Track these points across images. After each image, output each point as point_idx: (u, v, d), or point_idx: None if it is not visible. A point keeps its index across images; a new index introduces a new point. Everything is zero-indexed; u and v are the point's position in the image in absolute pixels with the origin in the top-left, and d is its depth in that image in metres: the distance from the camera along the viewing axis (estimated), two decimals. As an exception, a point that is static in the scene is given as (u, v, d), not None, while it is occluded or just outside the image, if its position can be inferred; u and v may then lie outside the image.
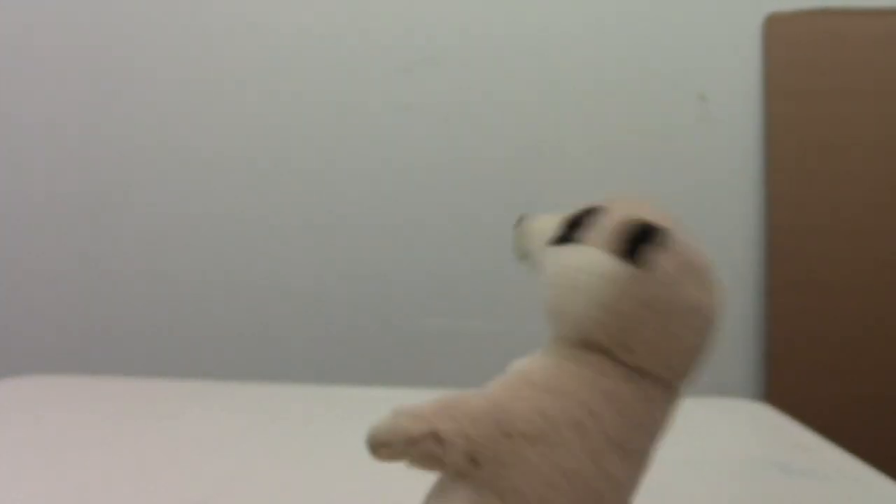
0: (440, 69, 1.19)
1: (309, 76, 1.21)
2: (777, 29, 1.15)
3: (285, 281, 1.22)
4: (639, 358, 0.33)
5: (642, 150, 1.18)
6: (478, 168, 1.18)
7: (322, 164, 1.21)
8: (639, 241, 0.33)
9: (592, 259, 0.33)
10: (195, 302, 1.23)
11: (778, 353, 1.13)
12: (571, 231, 0.34)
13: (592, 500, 0.31)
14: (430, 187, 1.19)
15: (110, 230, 1.24)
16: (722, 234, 1.17)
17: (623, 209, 0.34)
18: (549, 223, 0.36)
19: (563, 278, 0.33)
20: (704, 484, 0.57)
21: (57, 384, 0.88)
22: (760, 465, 0.62)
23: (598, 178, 1.18)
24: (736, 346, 1.17)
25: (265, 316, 1.22)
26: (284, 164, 1.22)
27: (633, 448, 0.33)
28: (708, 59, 1.18)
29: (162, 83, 1.23)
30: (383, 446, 0.31)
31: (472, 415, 0.31)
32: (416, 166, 1.20)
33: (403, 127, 1.20)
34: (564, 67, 1.19)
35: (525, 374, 0.33)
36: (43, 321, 1.25)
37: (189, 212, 1.23)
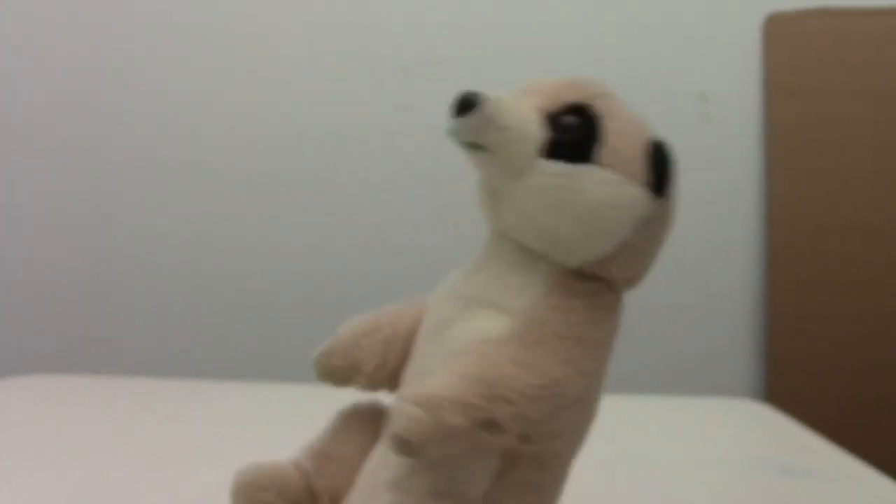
0: (440, 69, 1.19)
1: (309, 76, 1.21)
2: (777, 29, 1.15)
3: (285, 281, 1.22)
4: (634, 283, 0.32)
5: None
6: (478, 168, 1.18)
7: (322, 164, 1.21)
8: (661, 166, 0.31)
9: (627, 196, 0.30)
10: (195, 302, 1.23)
11: (778, 353, 1.13)
12: (562, 140, 0.30)
13: (588, 429, 0.32)
14: (430, 187, 1.19)
15: (110, 230, 1.24)
16: (722, 234, 1.17)
17: (614, 112, 0.31)
18: (523, 116, 0.30)
19: (590, 212, 0.29)
20: (704, 484, 0.57)
21: (57, 384, 0.88)
22: (760, 465, 0.62)
23: (598, 178, 1.18)
24: (736, 346, 1.17)
25: (265, 316, 1.22)
26: (284, 165, 1.22)
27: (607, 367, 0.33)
28: (708, 59, 1.18)
29: (161, 83, 1.23)
30: (422, 448, 0.26)
31: (528, 394, 0.28)
32: (416, 166, 1.20)
33: (403, 127, 1.20)
34: (564, 67, 1.19)
35: (540, 324, 0.29)
36: (43, 321, 1.25)
37: (189, 211, 1.23)
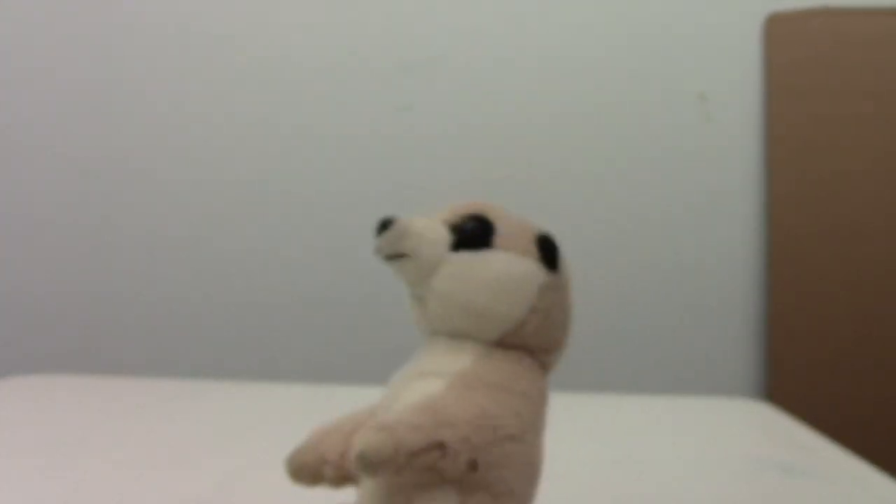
0: (440, 69, 1.19)
1: (309, 76, 1.21)
2: (777, 29, 1.15)
3: (286, 281, 1.22)
4: (551, 352, 0.37)
5: (642, 150, 1.18)
6: (478, 167, 1.18)
7: (322, 164, 1.21)
8: (550, 251, 0.37)
9: (528, 268, 0.36)
10: (195, 302, 1.23)
11: (778, 353, 1.13)
12: (465, 237, 0.36)
13: (537, 478, 0.35)
14: (430, 187, 1.19)
15: (111, 231, 1.24)
16: (722, 235, 1.17)
17: (504, 216, 0.37)
18: (431, 226, 0.36)
19: (497, 281, 0.35)
20: (704, 484, 0.57)
21: (57, 384, 0.88)
22: (760, 465, 0.62)
23: (598, 177, 1.18)
24: (736, 346, 1.17)
25: (265, 316, 1.22)
26: (284, 165, 1.22)
27: (543, 429, 0.37)
28: (708, 59, 1.18)
29: (162, 84, 1.23)
30: (382, 464, 0.30)
31: (470, 422, 0.32)
32: (416, 166, 1.20)
33: (403, 127, 1.20)
34: (565, 67, 1.19)
35: (471, 377, 0.35)
36: (43, 321, 1.25)
37: (189, 212, 1.23)
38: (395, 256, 0.36)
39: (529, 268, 0.36)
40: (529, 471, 0.35)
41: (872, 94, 1.13)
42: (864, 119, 1.12)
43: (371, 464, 0.30)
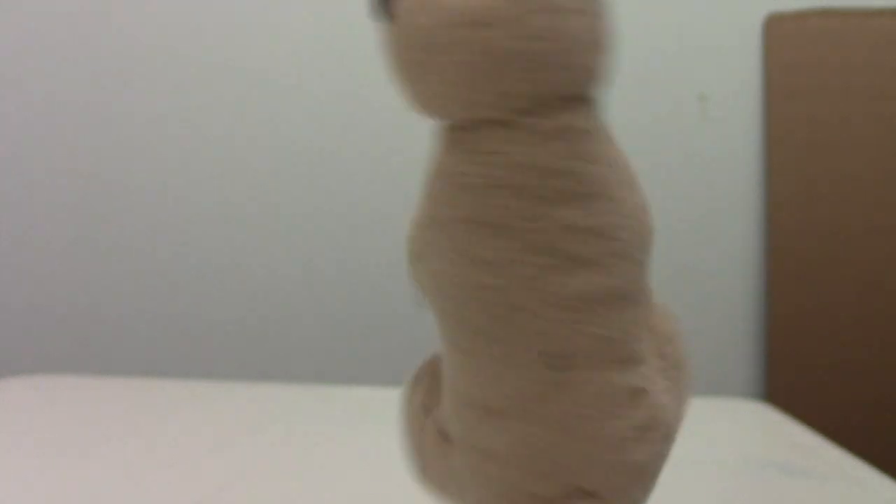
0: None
1: (308, 76, 1.21)
2: (777, 29, 1.15)
3: (286, 280, 1.22)
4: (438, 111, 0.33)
5: (642, 150, 1.17)
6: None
7: (322, 164, 1.21)
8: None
9: None
10: (195, 302, 1.23)
11: (778, 353, 1.13)
12: None
13: (485, 300, 0.29)
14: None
15: (111, 230, 1.24)
16: (722, 234, 1.17)
17: None
18: None
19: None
20: (704, 484, 0.57)
21: (57, 384, 0.88)
22: (760, 465, 0.62)
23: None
24: (736, 346, 1.17)
25: (265, 316, 1.22)
26: (284, 164, 1.22)
27: (494, 217, 0.30)
28: (708, 59, 1.18)
29: (161, 82, 1.23)
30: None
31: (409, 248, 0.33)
32: (416, 166, 1.19)
33: (403, 127, 1.20)
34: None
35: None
36: (43, 321, 1.25)
37: (189, 211, 1.23)
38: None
39: None
40: (447, 286, 0.29)
41: (872, 94, 1.13)
42: (864, 119, 1.12)
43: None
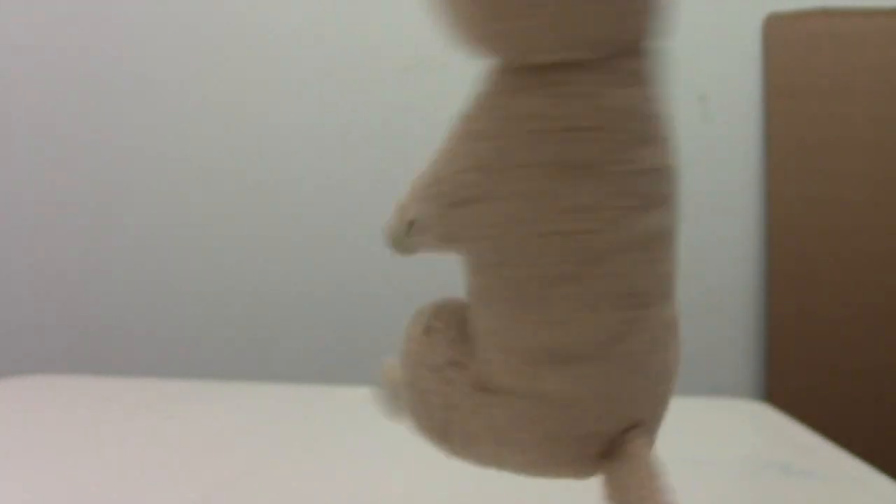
0: (440, 69, 1.19)
1: (308, 76, 1.21)
2: (777, 29, 1.15)
3: (286, 281, 1.22)
4: (539, 47, 0.29)
5: (642, 150, 1.18)
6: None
7: (322, 164, 1.21)
8: None
9: None
10: (195, 302, 1.23)
11: (778, 353, 1.13)
12: None
13: (569, 245, 0.28)
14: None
15: (111, 230, 1.24)
16: (722, 234, 1.17)
17: None
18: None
19: None
20: (704, 484, 0.57)
21: (57, 384, 0.88)
22: (760, 465, 0.62)
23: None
24: (736, 346, 1.17)
25: (265, 316, 1.22)
26: (284, 165, 1.22)
27: (583, 160, 0.29)
28: (708, 59, 1.18)
29: (161, 83, 1.23)
30: (393, 242, 0.31)
31: (422, 193, 0.31)
32: (416, 166, 1.19)
33: (403, 127, 1.20)
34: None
35: (458, 120, 0.31)
36: (43, 321, 1.25)
37: (190, 211, 1.23)
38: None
39: None
40: (514, 234, 0.29)
41: (872, 94, 1.13)
42: (864, 119, 1.12)
43: (391, 244, 0.31)
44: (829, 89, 1.13)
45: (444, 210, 0.31)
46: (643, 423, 0.30)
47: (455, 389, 0.31)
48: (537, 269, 0.29)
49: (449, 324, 0.33)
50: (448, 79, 1.25)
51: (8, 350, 1.23)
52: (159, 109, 1.23)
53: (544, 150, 0.28)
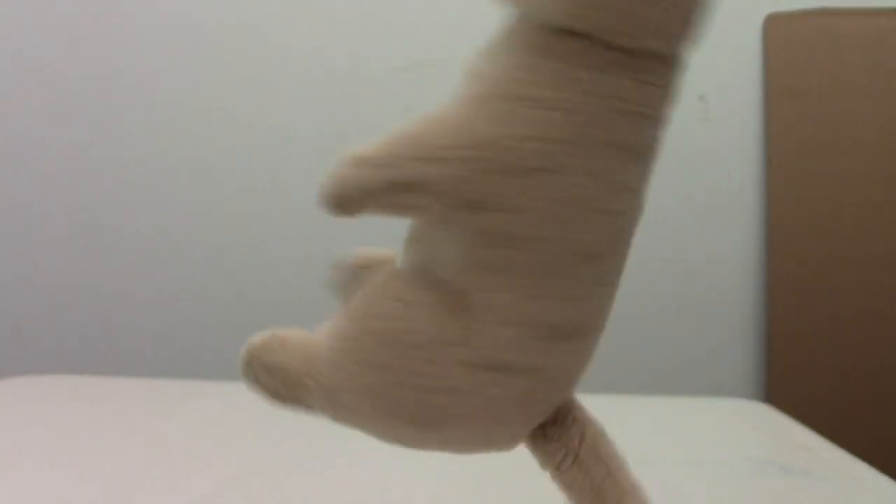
0: (440, 69, 1.19)
1: (308, 77, 1.21)
2: (777, 29, 1.15)
3: (286, 281, 1.22)
4: (640, 37, 0.28)
5: (642, 150, 1.18)
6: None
7: (322, 165, 1.21)
8: None
9: None
10: (195, 302, 1.23)
11: (778, 353, 1.13)
12: None
13: (587, 217, 0.28)
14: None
15: (111, 230, 1.24)
16: (722, 234, 1.17)
17: None
18: None
19: None
20: (704, 484, 0.57)
21: (57, 384, 0.88)
22: (760, 465, 0.62)
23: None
24: (736, 346, 1.17)
25: (266, 316, 1.22)
26: (284, 165, 1.22)
27: (642, 145, 0.29)
28: (708, 59, 1.17)
29: (160, 85, 1.23)
30: (346, 202, 0.28)
31: (456, 154, 0.27)
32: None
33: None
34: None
35: (489, 82, 0.28)
36: (43, 321, 1.25)
37: (190, 212, 1.23)
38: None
39: None
40: (568, 209, 0.28)
41: (872, 94, 1.13)
42: (864, 119, 1.12)
43: (330, 201, 0.28)
44: (829, 89, 1.13)
45: (482, 176, 0.28)
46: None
47: (441, 369, 0.29)
48: (574, 245, 0.28)
49: (421, 297, 0.30)
50: (448, 79, 1.25)
51: (8, 350, 1.23)
52: (159, 111, 1.23)
53: (621, 131, 0.28)
